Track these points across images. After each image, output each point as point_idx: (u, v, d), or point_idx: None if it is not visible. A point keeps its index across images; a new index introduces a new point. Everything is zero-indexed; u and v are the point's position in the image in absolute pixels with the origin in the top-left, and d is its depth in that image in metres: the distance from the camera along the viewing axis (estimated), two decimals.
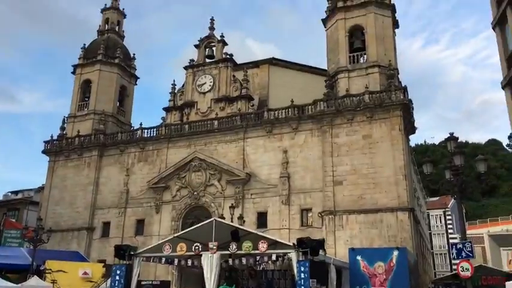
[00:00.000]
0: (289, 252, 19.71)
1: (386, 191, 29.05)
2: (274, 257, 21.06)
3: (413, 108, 33.54)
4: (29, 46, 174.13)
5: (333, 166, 30.98)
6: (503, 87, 23.79)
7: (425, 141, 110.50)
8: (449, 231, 68.45)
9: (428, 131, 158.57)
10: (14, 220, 44.83)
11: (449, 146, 14.66)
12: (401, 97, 30.79)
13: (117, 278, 21.75)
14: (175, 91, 40.25)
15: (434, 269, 61.01)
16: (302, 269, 18.37)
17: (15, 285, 24.02)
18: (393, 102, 30.59)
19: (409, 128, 33.11)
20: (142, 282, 26.41)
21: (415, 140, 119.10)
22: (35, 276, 24.91)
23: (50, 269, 27.26)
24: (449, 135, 14.84)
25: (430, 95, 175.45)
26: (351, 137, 31.21)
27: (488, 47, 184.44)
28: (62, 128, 43.42)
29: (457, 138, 14.94)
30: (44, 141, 42.94)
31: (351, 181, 30.20)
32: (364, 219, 29.11)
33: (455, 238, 57.68)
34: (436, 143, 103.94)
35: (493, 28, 25.19)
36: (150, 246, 23.68)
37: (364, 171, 30.06)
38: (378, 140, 30.38)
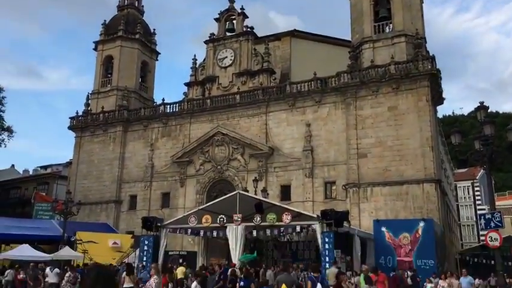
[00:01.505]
0: (313, 224, 19.96)
1: (412, 163, 28.76)
2: (298, 229, 21.39)
3: (441, 78, 32.69)
4: (54, 25, 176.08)
5: (357, 139, 30.72)
6: None
7: (453, 112, 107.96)
8: (478, 202, 67.50)
9: (457, 102, 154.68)
10: (44, 194, 46.46)
11: (479, 116, 14.28)
12: (429, 67, 30.02)
13: (146, 248, 22.53)
14: (197, 66, 40.22)
15: (461, 241, 60.56)
16: (326, 240, 18.62)
17: (47, 254, 25.12)
18: (420, 72, 29.88)
19: (437, 98, 32.41)
20: (170, 253, 27.30)
21: (442, 111, 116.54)
22: (67, 246, 25.94)
23: (81, 240, 28.36)
24: (479, 104, 14.46)
25: (460, 65, 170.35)
26: (375, 109, 30.80)
27: None
28: (87, 104, 44.23)
29: (488, 108, 14.52)
30: (69, 117, 43.96)
31: (375, 154, 29.98)
32: (389, 192, 29.02)
33: (484, 209, 56.91)
34: (465, 113, 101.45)
35: None
36: (176, 218, 24.37)
37: (389, 143, 29.75)
38: (404, 112, 29.91)
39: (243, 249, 21.62)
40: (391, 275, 17.45)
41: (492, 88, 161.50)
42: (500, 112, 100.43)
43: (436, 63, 30.84)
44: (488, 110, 14.98)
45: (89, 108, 43.90)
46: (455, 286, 17.16)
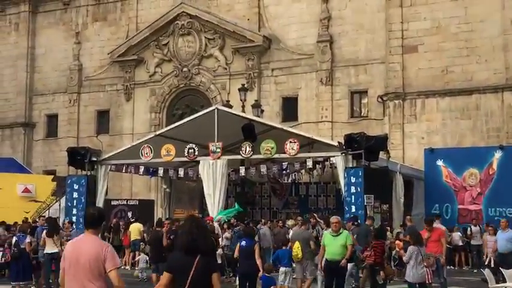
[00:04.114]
0: (333, 156, 20.18)
1: (487, 59, 28.63)
2: (309, 164, 21.65)
3: None
4: None
5: (403, 22, 30.34)
6: None
7: None
8: None
9: None
10: None
11: None
12: None
13: (75, 195, 22.76)
14: None
15: None
16: (353, 179, 18.89)
17: None
18: None
19: None
20: (113, 202, 27.70)
21: None
22: None
23: None
24: None
25: None
26: None
27: None
28: None
29: None
30: None
31: (431, 46, 29.71)
32: (450, 105, 29.15)
33: None
34: None
35: None
36: (120, 150, 24.42)
37: (452, 29, 29.42)
38: None
39: (225, 195, 21.97)
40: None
41: None
42: None
43: None
44: None
45: None
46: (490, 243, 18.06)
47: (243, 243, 13.00)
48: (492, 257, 17.77)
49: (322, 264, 13.37)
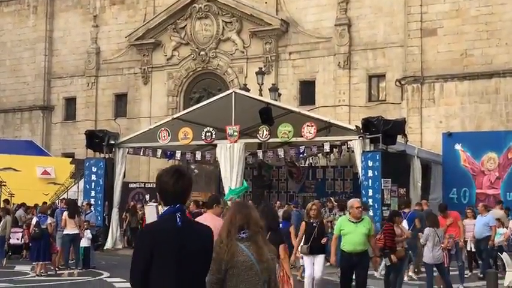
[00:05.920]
0: (351, 140, 20.20)
1: (507, 43, 28.37)
2: (327, 148, 21.70)
3: None
4: None
5: (422, 5, 30.10)
6: None
7: None
8: None
9: None
10: None
11: None
12: None
13: (93, 177, 23.02)
14: None
15: None
16: (370, 163, 18.93)
17: None
18: None
19: None
20: (131, 185, 27.94)
21: None
22: None
23: None
24: None
25: None
26: None
27: None
28: None
29: None
30: None
31: (450, 29, 29.51)
32: (469, 89, 28.99)
33: None
34: None
35: None
36: (138, 133, 24.61)
37: (472, 12, 29.14)
38: None
39: (242, 178, 22.07)
40: None
41: None
42: None
43: None
44: None
45: None
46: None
47: (280, 226, 13.07)
48: (472, 243, 17.23)
49: (334, 257, 11.83)
